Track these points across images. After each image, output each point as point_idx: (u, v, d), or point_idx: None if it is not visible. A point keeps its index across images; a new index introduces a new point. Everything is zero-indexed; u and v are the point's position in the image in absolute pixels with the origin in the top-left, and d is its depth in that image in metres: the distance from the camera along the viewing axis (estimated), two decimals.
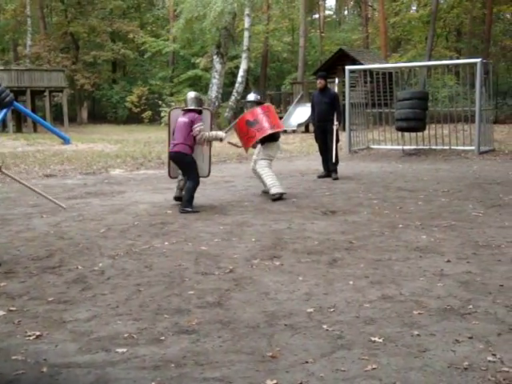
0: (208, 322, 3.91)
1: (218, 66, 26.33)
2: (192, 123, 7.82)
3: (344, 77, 15.98)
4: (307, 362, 3.27)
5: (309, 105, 25.07)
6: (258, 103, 8.88)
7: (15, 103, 21.34)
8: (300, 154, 16.64)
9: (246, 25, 28.36)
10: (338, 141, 10.87)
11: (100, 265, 5.35)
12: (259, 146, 9.01)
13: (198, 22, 28.29)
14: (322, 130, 10.91)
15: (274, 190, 8.60)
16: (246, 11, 27.78)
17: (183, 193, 8.10)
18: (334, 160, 10.75)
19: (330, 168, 10.89)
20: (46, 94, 29.73)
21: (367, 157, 15.18)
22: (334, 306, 4.17)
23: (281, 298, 4.38)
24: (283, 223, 6.98)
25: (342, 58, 26.37)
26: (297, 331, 3.73)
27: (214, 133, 8.09)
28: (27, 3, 39.88)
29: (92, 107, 47.53)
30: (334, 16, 55.89)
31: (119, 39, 43.12)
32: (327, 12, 53.93)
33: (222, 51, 26.31)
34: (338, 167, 10.89)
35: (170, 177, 8.70)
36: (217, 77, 26.24)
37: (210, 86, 26.78)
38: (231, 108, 28.41)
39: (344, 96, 16.41)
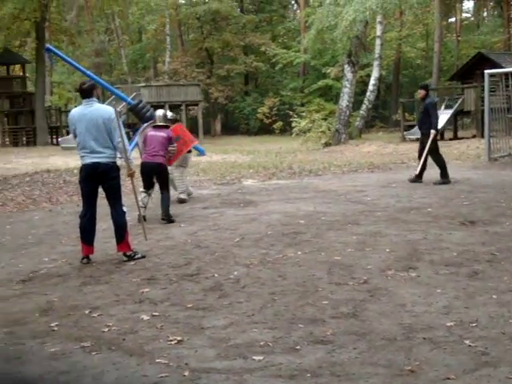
0: (343, 333, 3.87)
1: (349, 75, 26.14)
2: (170, 140, 8.74)
3: (482, 82, 15.30)
4: (449, 379, 3.14)
5: (441, 112, 24.65)
6: (174, 121, 10.14)
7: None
8: (431, 163, 16.06)
9: (378, 32, 27.99)
10: (431, 150, 11.21)
11: (235, 273, 5.47)
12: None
13: (329, 32, 28.26)
14: (421, 137, 11.81)
15: (182, 196, 10.11)
16: (378, 18, 27.38)
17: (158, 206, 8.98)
18: (418, 167, 11.34)
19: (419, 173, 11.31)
20: (183, 107, 31.06)
21: (509, 164, 14.41)
22: (476, 320, 3.99)
23: (418, 310, 4.25)
24: (418, 233, 6.78)
25: (480, 62, 25.32)
26: (436, 345, 3.60)
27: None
28: (166, 23, 42.09)
29: (225, 119, 48.91)
30: (472, 18, 53.71)
31: (251, 52, 44.11)
32: (464, 15, 51.89)
33: (353, 60, 26.08)
34: (444, 172, 11.18)
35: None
36: (348, 86, 26.05)
37: (341, 95, 26.62)
38: (362, 117, 28.10)
39: (483, 101, 15.73)
